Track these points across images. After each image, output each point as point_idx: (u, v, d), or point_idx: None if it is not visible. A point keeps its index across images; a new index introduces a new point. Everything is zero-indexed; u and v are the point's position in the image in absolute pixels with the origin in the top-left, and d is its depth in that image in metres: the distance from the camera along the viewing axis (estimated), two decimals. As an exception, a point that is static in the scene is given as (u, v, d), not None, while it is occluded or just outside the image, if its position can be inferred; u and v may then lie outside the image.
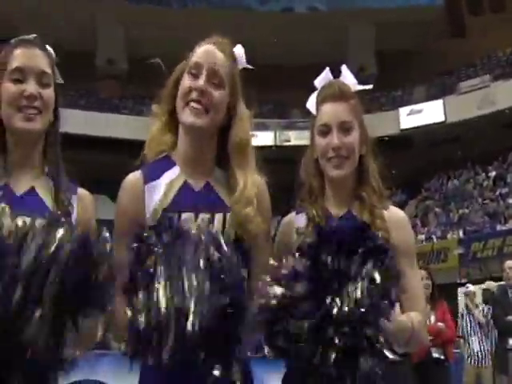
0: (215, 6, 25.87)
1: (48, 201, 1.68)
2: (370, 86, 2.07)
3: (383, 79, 23.05)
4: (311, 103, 1.99)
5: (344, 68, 2.01)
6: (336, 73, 2.01)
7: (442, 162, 23.44)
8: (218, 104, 1.76)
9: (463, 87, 24.14)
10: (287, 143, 24.41)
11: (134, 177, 1.77)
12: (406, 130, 22.95)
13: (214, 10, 24.93)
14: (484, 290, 8.76)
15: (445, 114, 23.91)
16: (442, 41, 26.25)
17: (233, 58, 1.83)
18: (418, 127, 23.72)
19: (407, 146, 23.56)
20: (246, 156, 1.80)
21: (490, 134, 22.54)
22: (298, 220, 1.92)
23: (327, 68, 2.02)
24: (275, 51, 25.95)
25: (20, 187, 1.69)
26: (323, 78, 1.99)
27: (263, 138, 22.04)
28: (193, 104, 1.74)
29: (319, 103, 1.94)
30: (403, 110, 24.09)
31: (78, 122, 22.62)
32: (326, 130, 1.90)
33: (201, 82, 1.74)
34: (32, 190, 1.69)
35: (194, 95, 1.74)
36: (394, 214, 1.92)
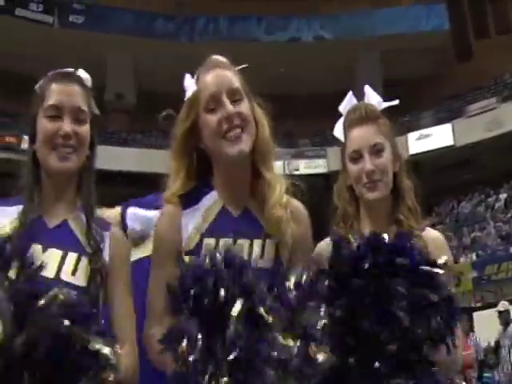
0: (223, 38, 26.16)
1: (79, 235, 1.69)
2: (396, 102, 2.04)
3: (391, 106, 23.07)
4: (338, 130, 1.99)
5: (367, 88, 2.00)
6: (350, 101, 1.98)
7: (453, 185, 23.36)
8: (248, 117, 1.74)
9: (471, 110, 24.16)
10: (296, 172, 24.45)
11: (173, 203, 1.75)
12: (415, 155, 22.92)
13: (222, 41, 25.21)
14: (500, 312, 8.50)
15: (454, 137, 23.90)
16: (448, 65, 26.37)
17: (235, 69, 1.82)
18: (427, 152, 23.70)
19: (416, 170, 23.42)
20: (271, 158, 1.79)
21: (499, 156, 22.47)
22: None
23: (350, 92, 2.02)
24: (283, 81, 26.16)
25: (53, 220, 1.69)
26: (348, 103, 1.99)
27: (273, 167, 22.10)
28: (231, 133, 1.70)
29: (347, 129, 1.93)
30: (412, 136, 24.11)
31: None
32: (357, 156, 1.88)
33: (228, 108, 1.71)
34: (64, 223, 1.70)
35: (225, 126, 1.71)
36: (432, 236, 1.92)
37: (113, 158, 23.45)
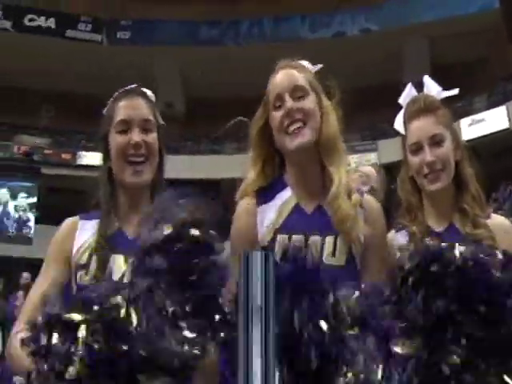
0: (267, 39, 26.21)
1: None
2: (455, 92, 2.06)
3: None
4: (398, 123, 2.02)
5: (426, 78, 2.03)
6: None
7: (510, 170, 22.66)
8: (311, 111, 1.82)
9: (527, 90, 23.39)
10: (348, 167, 24.23)
11: (248, 200, 1.83)
12: (469, 141, 22.37)
13: (267, 42, 25.27)
14: None
15: (509, 120, 23.17)
16: (500, 46, 25.60)
17: (304, 68, 1.92)
18: (480, 137, 23.07)
19: (471, 157, 22.79)
20: (336, 151, 1.84)
21: (559, 136, 21.68)
22: (398, 238, 1.90)
23: (410, 84, 2.04)
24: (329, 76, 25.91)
25: (131, 231, 1.78)
26: (407, 95, 2.02)
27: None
28: (292, 127, 1.79)
29: (407, 121, 1.97)
30: (464, 122, 23.52)
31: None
32: (417, 148, 1.91)
33: (289, 104, 1.81)
34: None
35: (286, 121, 1.81)
36: (498, 222, 1.92)
37: (167, 167, 23.84)
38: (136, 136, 1.80)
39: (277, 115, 1.82)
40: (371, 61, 26.10)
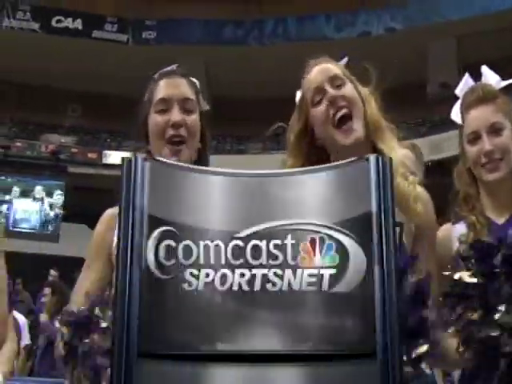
0: (292, 39, 26.13)
1: None
2: None
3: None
4: (455, 113, 1.97)
5: (484, 68, 1.99)
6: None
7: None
8: (354, 97, 1.80)
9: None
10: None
11: None
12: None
13: (291, 42, 25.20)
14: None
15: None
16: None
17: (335, 62, 1.90)
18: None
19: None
20: (384, 131, 1.80)
21: None
22: (456, 230, 1.85)
23: (467, 74, 1.99)
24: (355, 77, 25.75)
25: None
26: (464, 85, 1.97)
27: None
28: (339, 114, 1.76)
29: (464, 111, 1.92)
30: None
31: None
32: (475, 137, 1.86)
33: (331, 92, 1.78)
34: None
35: (331, 110, 1.77)
36: None
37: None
38: (176, 115, 1.73)
39: (319, 109, 1.78)
40: (397, 60, 25.87)
